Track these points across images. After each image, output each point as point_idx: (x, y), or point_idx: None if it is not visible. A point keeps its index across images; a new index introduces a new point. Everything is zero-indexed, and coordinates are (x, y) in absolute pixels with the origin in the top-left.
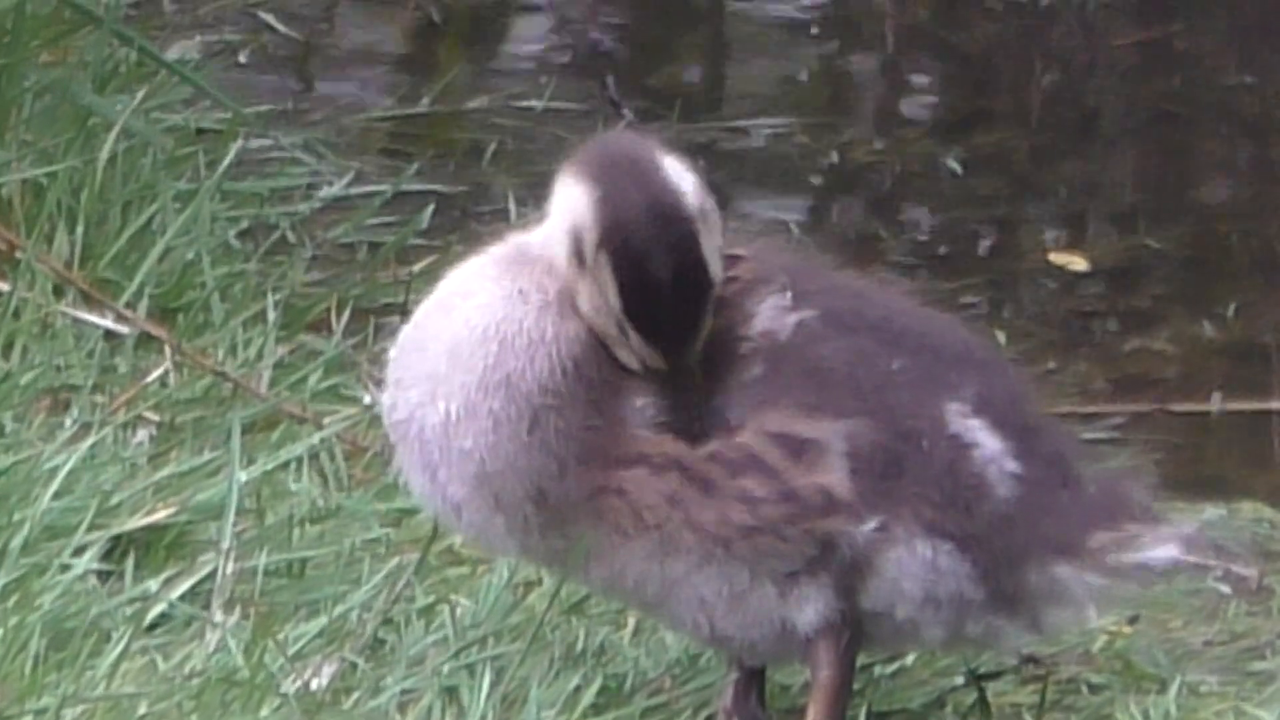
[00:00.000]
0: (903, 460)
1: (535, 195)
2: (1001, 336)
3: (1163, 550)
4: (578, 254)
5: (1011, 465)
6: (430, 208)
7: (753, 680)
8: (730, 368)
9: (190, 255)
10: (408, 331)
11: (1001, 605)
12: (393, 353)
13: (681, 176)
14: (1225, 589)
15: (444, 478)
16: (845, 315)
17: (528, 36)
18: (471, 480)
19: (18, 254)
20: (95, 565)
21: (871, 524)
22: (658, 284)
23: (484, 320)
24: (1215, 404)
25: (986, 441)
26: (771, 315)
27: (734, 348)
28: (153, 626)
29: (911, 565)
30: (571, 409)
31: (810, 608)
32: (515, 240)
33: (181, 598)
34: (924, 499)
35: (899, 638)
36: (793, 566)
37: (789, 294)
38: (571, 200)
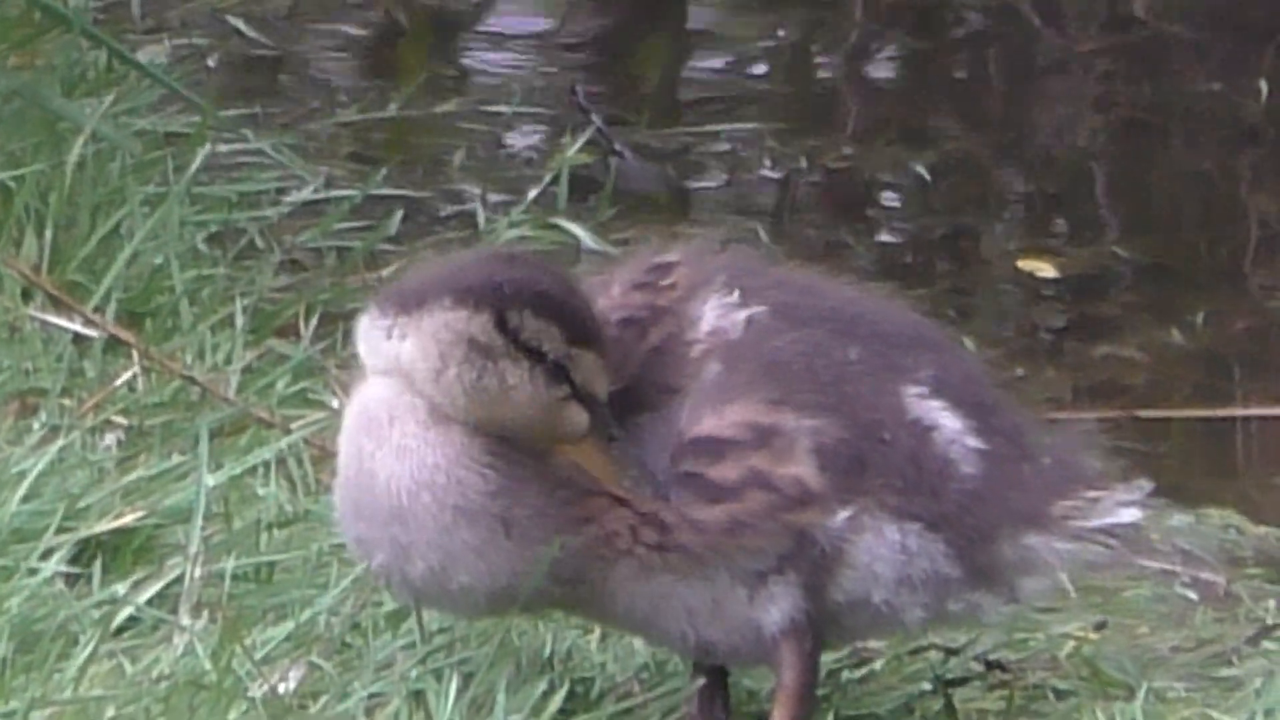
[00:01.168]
0: (866, 451)
1: (503, 200)
2: (970, 343)
3: (1125, 513)
4: (483, 351)
5: (974, 442)
6: (399, 213)
7: (718, 686)
8: (683, 373)
9: (159, 260)
10: (338, 488)
11: (979, 580)
12: (338, 494)
13: None
14: (1192, 595)
15: (452, 597)
16: (795, 309)
17: (496, 42)
18: (484, 598)
19: None
20: (63, 568)
21: (843, 516)
22: (580, 300)
23: (403, 482)
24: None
25: (947, 422)
26: (718, 314)
27: (684, 352)
28: (120, 630)
29: (881, 549)
30: (524, 488)
31: (775, 607)
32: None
33: (149, 601)
34: (889, 486)
35: (879, 624)
36: (765, 565)
37: (735, 291)
38: (441, 323)
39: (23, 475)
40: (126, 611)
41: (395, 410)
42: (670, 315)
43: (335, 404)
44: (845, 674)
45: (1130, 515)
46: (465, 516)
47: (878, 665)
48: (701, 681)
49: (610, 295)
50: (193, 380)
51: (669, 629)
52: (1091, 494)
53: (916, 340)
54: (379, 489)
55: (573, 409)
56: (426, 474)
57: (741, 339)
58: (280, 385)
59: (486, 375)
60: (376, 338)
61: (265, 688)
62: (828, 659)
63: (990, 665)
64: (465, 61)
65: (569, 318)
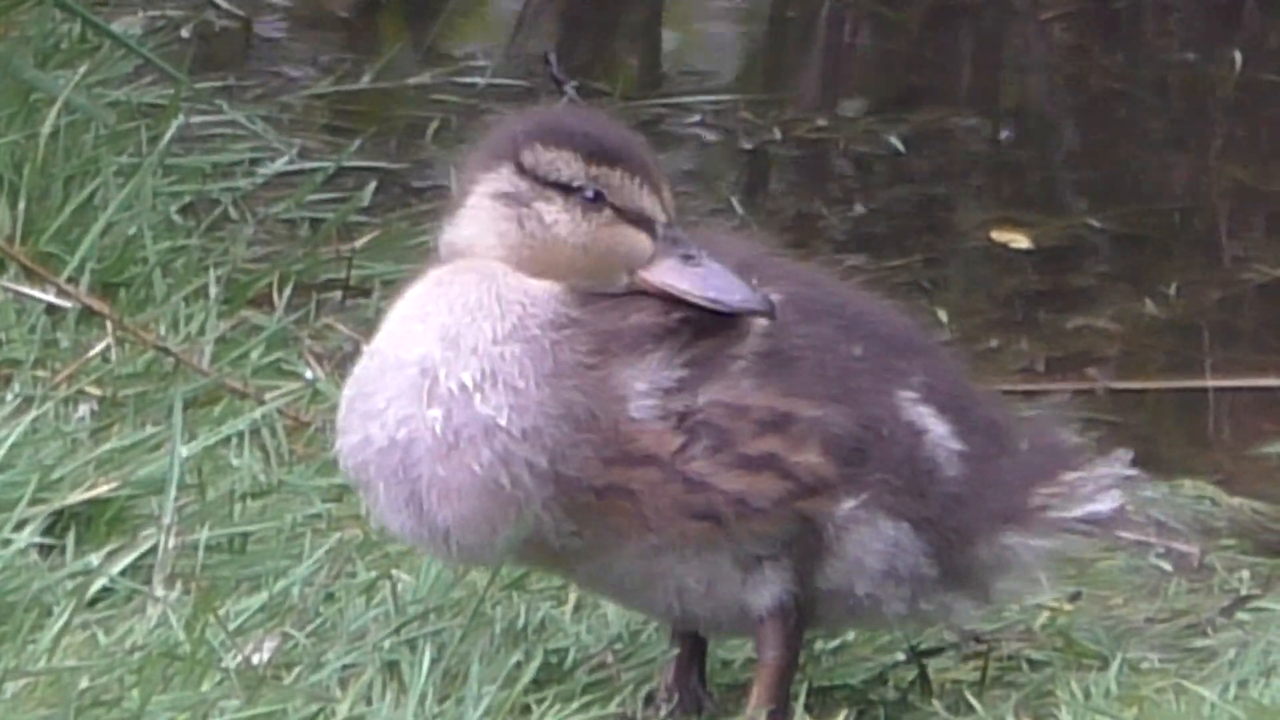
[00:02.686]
0: (869, 445)
1: None
2: (944, 314)
3: (1106, 500)
4: (515, 200)
5: (956, 445)
6: (372, 184)
7: (694, 657)
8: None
9: (132, 230)
10: (361, 367)
11: (954, 581)
12: (346, 394)
13: None
14: (1166, 566)
15: (433, 501)
16: (806, 300)
17: (469, 12)
18: (487, 467)
19: None
20: (36, 540)
21: (848, 505)
22: (599, 125)
23: (469, 297)
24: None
25: (934, 426)
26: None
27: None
28: (94, 601)
29: (875, 543)
30: (577, 341)
31: (767, 590)
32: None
33: (123, 572)
34: (886, 484)
35: (858, 615)
36: (768, 550)
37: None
38: (477, 195)
39: None
40: (100, 582)
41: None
42: (717, 330)
43: (308, 374)
44: (819, 644)
45: (1111, 502)
46: (521, 334)
47: (851, 636)
48: (677, 651)
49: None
50: (166, 351)
51: (656, 601)
52: (1072, 475)
53: (908, 344)
54: (435, 318)
55: (625, 231)
56: (497, 291)
57: (776, 324)
58: (254, 356)
59: (528, 222)
60: (443, 236)
61: (239, 658)
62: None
63: (964, 636)
64: (439, 33)
65: (583, 140)
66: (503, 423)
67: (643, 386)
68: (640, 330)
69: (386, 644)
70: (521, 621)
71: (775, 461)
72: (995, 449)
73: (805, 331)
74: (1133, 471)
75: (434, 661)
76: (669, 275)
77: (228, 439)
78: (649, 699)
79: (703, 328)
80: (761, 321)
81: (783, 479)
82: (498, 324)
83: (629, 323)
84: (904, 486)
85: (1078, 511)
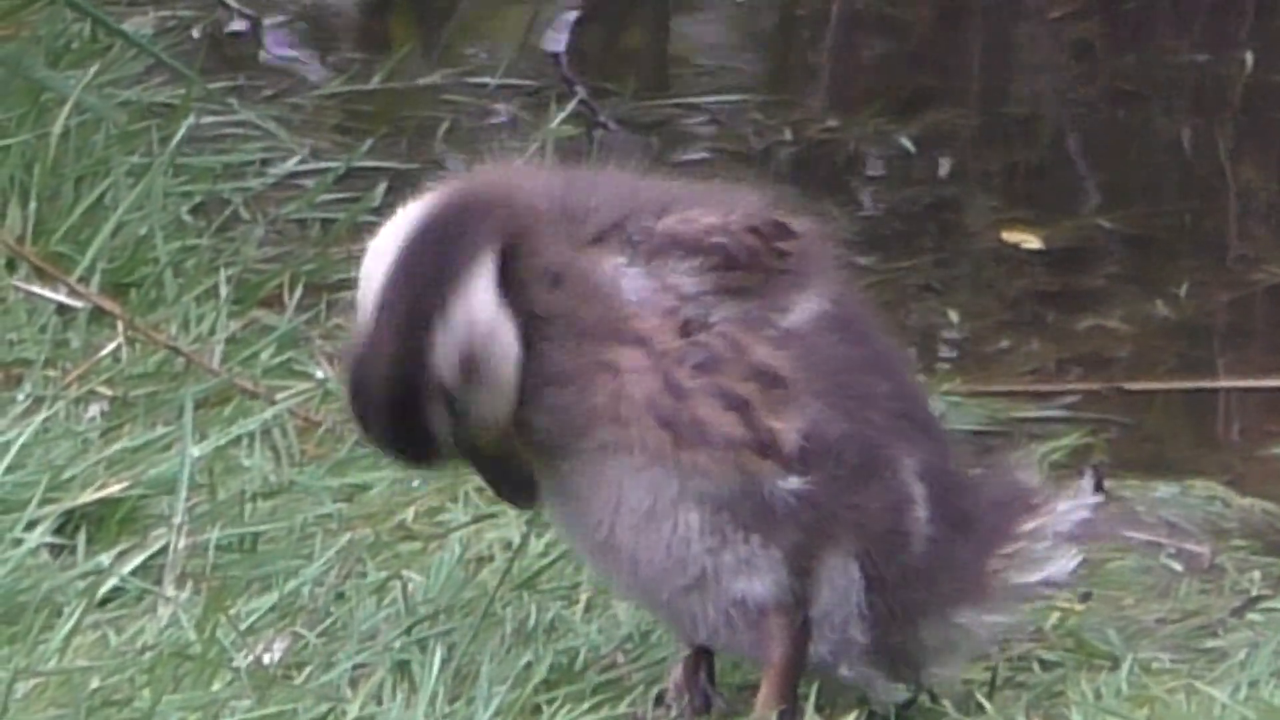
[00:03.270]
0: (868, 472)
1: None
2: (954, 315)
3: (1062, 565)
4: None
5: (928, 530)
6: (383, 184)
7: (702, 657)
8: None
9: (143, 230)
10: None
11: (881, 659)
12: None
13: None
14: (1177, 567)
15: None
16: (848, 319)
17: (480, 13)
18: None
19: None
20: (47, 539)
21: (792, 483)
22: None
23: None
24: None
25: (920, 506)
26: (805, 314)
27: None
28: (105, 601)
29: (839, 579)
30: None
31: (757, 576)
32: None
33: (134, 572)
34: (865, 528)
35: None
36: (716, 499)
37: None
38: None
39: (7, 446)
40: (111, 582)
41: None
42: (764, 291)
43: (320, 375)
44: None
45: (1071, 564)
46: None
47: None
48: (687, 652)
49: (727, 217)
50: (177, 351)
51: (590, 519)
52: (1031, 524)
53: (919, 416)
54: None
55: None
56: None
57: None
58: (265, 356)
59: None
60: None
61: (250, 658)
62: None
63: None
64: (450, 34)
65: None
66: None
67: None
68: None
69: (397, 644)
70: (532, 622)
71: (745, 408)
72: (958, 534)
73: (845, 351)
74: (1099, 497)
75: (445, 661)
76: None
77: (239, 439)
78: (659, 699)
79: (749, 263)
80: (812, 306)
81: (742, 427)
82: None
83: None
84: (876, 534)
85: (1036, 576)
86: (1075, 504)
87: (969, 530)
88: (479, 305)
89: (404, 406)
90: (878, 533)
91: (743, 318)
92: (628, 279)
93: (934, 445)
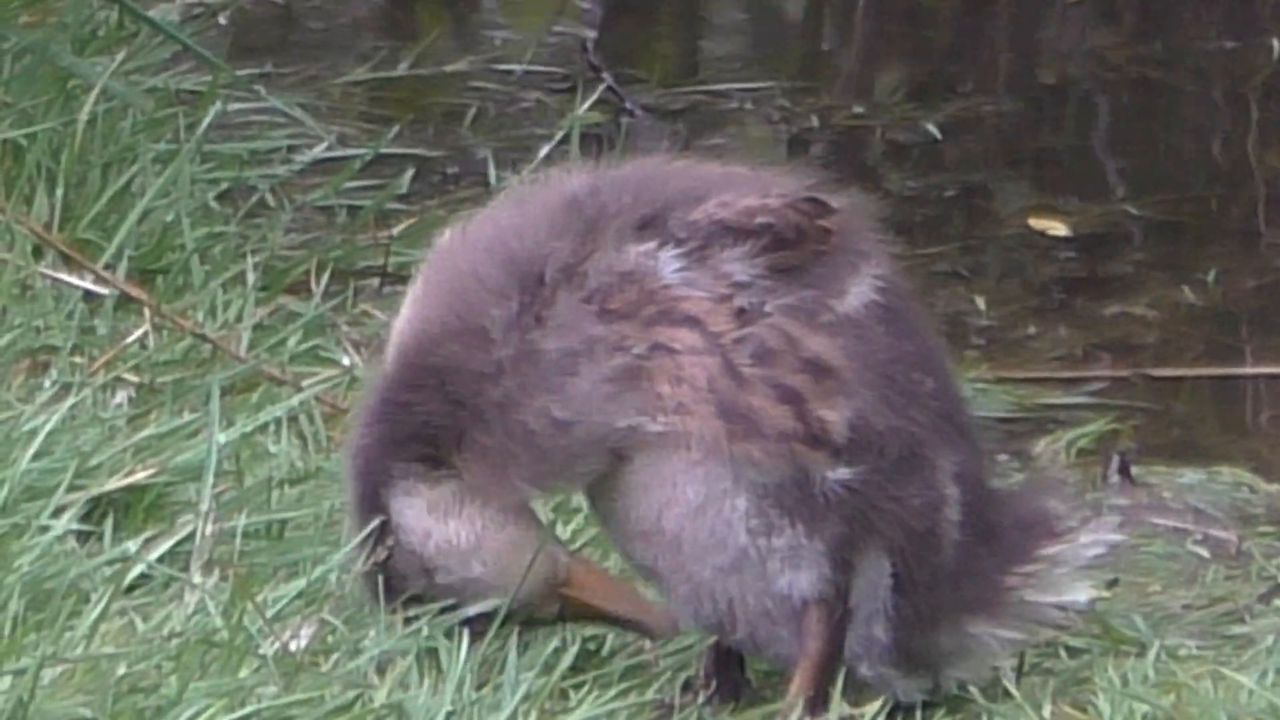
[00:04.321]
0: (908, 468)
1: (514, 159)
2: (981, 302)
3: (1082, 591)
4: None
5: (957, 535)
6: (410, 171)
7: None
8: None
9: (170, 217)
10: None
11: (902, 660)
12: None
13: None
14: (1204, 553)
15: None
16: (897, 310)
17: (508, 2)
18: None
19: None
20: (74, 526)
21: (841, 473)
22: None
23: None
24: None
25: (953, 507)
26: (858, 296)
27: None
28: (132, 588)
29: (871, 575)
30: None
31: (802, 572)
32: None
33: (160, 559)
34: (902, 524)
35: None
36: (765, 489)
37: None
38: None
39: (34, 433)
40: (138, 569)
41: None
42: (816, 275)
43: (346, 361)
44: None
45: (1086, 594)
46: None
47: None
48: (715, 639)
49: (765, 198)
50: (204, 337)
51: (643, 520)
52: (1052, 549)
53: (962, 420)
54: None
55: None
56: None
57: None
58: (291, 342)
59: None
60: None
61: (277, 645)
62: None
63: None
64: (478, 19)
65: None
66: None
67: (689, 267)
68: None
69: (424, 630)
70: None
71: (797, 399)
72: (983, 545)
73: (889, 343)
74: (1119, 538)
75: (471, 648)
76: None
77: (265, 425)
78: (687, 686)
79: (796, 240)
80: (865, 291)
81: (795, 420)
82: None
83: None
84: (911, 532)
85: (1050, 599)
86: (1098, 537)
87: (993, 543)
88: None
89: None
90: (913, 531)
91: (797, 305)
92: (678, 270)
93: (971, 450)
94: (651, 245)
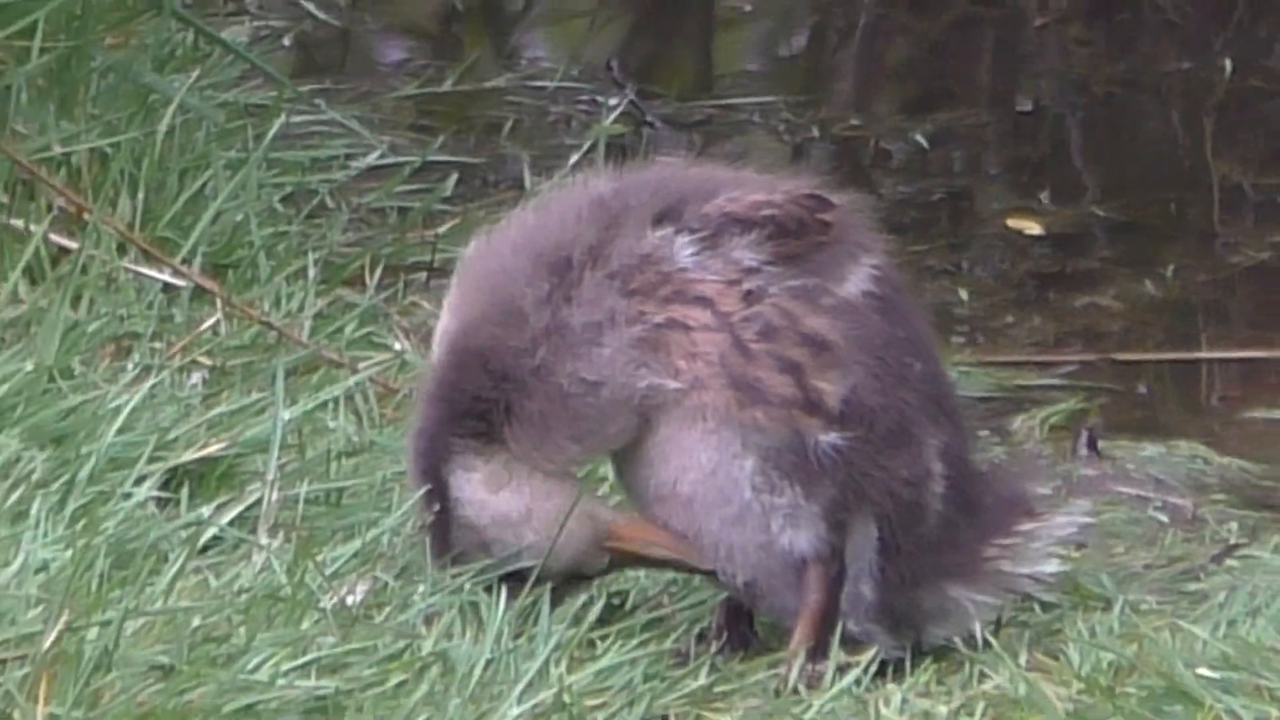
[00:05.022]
0: (897, 442)
1: (547, 166)
2: (964, 293)
3: (1051, 564)
4: None
5: (939, 506)
6: (454, 177)
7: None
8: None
9: (239, 218)
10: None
11: (885, 617)
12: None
13: None
14: (1163, 518)
15: None
16: (891, 299)
17: (541, 23)
18: None
19: (86, 216)
20: (154, 494)
21: (832, 436)
22: None
23: None
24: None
25: (937, 481)
26: (857, 286)
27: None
28: (205, 548)
29: (860, 538)
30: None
31: (801, 530)
32: None
33: (231, 523)
34: (889, 492)
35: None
36: (769, 451)
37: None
38: None
39: (118, 410)
40: (211, 532)
41: None
42: (817, 262)
43: (397, 346)
44: None
45: (1055, 566)
46: None
47: None
48: (726, 595)
49: (771, 194)
50: (270, 325)
51: (663, 483)
52: (1028, 526)
53: (948, 402)
54: None
55: None
56: None
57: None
58: (348, 330)
59: None
60: None
61: (335, 600)
62: None
63: None
64: (515, 41)
65: None
66: None
67: (701, 253)
68: (738, 218)
69: (467, 587)
70: None
71: (797, 370)
72: (964, 517)
73: (879, 326)
74: (1091, 520)
75: (508, 602)
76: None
77: (325, 404)
78: (701, 636)
79: (798, 230)
80: (863, 279)
81: (795, 388)
82: None
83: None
84: (897, 500)
85: (1024, 570)
86: (1070, 518)
87: (974, 516)
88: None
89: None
90: (899, 499)
91: (799, 288)
92: (692, 255)
93: (955, 430)
94: (668, 232)
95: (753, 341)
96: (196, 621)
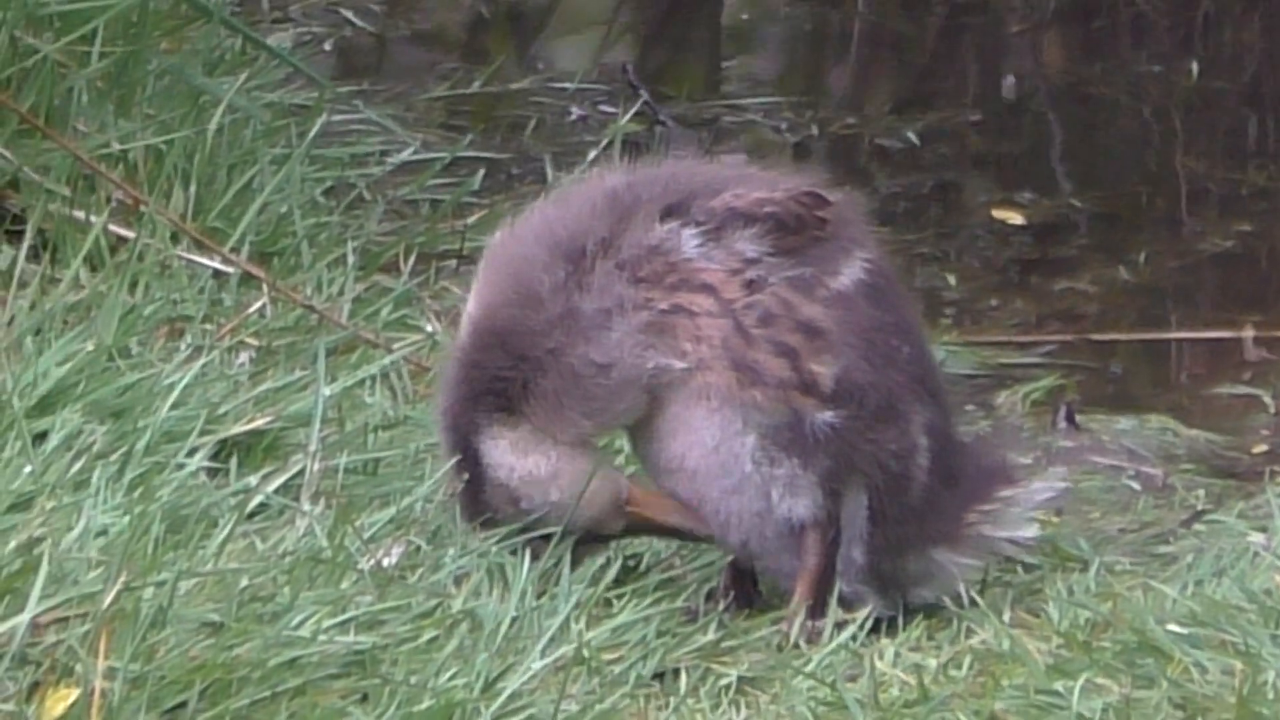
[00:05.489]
0: (885, 418)
1: (568, 162)
2: (952, 279)
3: (1030, 528)
4: None
5: (925, 478)
6: (481, 172)
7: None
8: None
9: (284, 209)
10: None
11: (874, 579)
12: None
13: None
14: (1136, 486)
15: None
16: (882, 288)
17: (562, 30)
18: None
19: (142, 208)
20: (205, 464)
21: (828, 415)
22: None
23: None
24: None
25: (923, 454)
26: (848, 279)
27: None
28: (252, 514)
29: (852, 506)
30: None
31: (799, 499)
32: None
33: (276, 491)
34: (878, 465)
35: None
36: (768, 429)
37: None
38: None
39: (172, 387)
40: (257, 499)
41: None
42: (814, 255)
43: (429, 328)
44: None
45: (1033, 531)
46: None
47: None
48: (732, 557)
49: (772, 192)
50: (312, 308)
51: (673, 457)
52: (1007, 492)
53: (931, 379)
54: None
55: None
56: None
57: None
58: (384, 313)
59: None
60: None
61: (372, 562)
62: None
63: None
64: (538, 46)
65: None
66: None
67: (707, 245)
68: (739, 213)
69: (493, 550)
70: None
71: (793, 355)
72: (947, 487)
73: (870, 314)
74: (1067, 485)
75: (532, 564)
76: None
77: (362, 381)
78: (709, 595)
79: (797, 227)
80: (856, 271)
81: (790, 370)
82: None
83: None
84: (886, 471)
85: (1004, 534)
86: (1048, 484)
87: (956, 485)
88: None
89: None
90: (888, 470)
91: (796, 279)
92: (697, 246)
93: (940, 408)
94: (675, 225)
95: (753, 327)
96: (244, 582)
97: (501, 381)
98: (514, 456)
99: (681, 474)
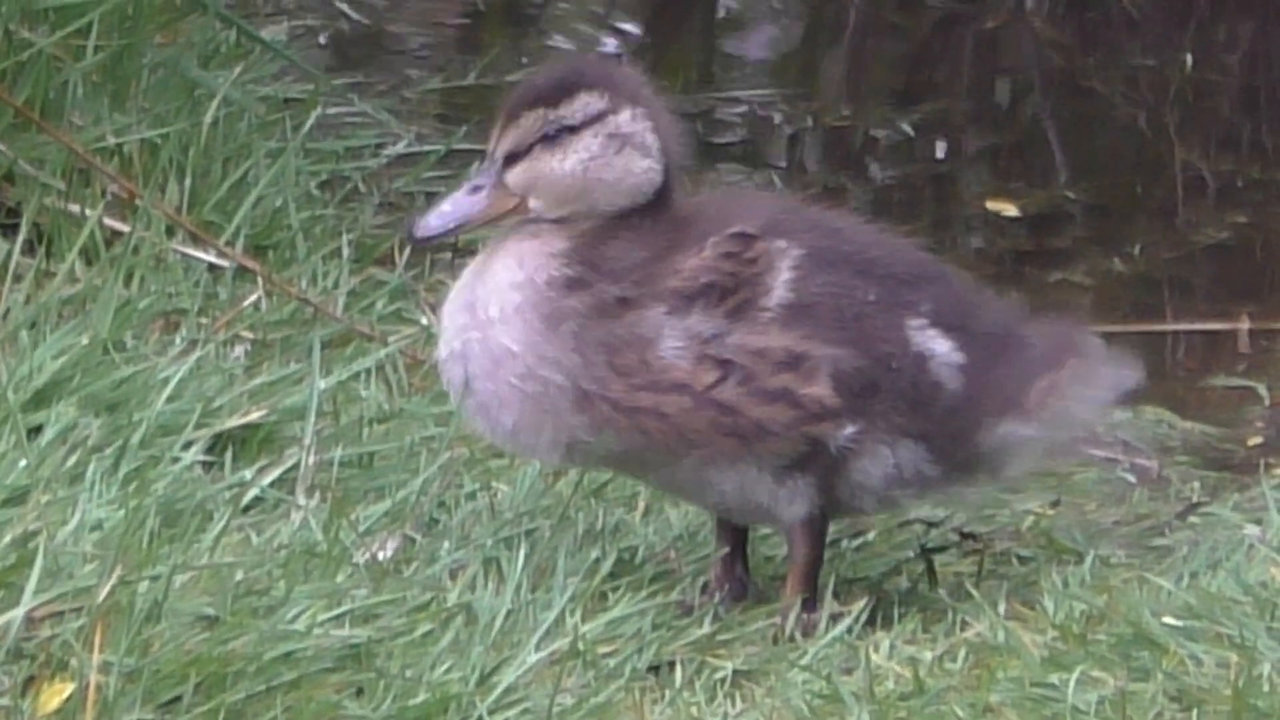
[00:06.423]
0: (878, 378)
1: None
2: None
3: (1094, 398)
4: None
5: (958, 359)
6: (476, 164)
7: (738, 553)
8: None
9: (279, 202)
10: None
11: (958, 476)
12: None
13: None
14: (1131, 478)
15: (495, 409)
16: (827, 251)
17: (556, 21)
18: (519, 384)
19: (137, 201)
20: (200, 457)
21: (849, 430)
22: None
23: (505, 258)
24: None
25: (939, 348)
26: (786, 288)
27: (755, 316)
28: (248, 508)
29: (878, 460)
30: (592, 314)
31: (797, 505)
32: None
33: (271, 484)
34: (893, 408)
35: (877, 511)
36: (787, 462)
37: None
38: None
39: (167, 381)
40: (253, 493)
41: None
42: (748, 285)
43: (424, 321)
44: (844, 543)
45: (1100, 402)
46: (530, 288)
47: (871, 536)
48: (725, 550)
49: (702, 256)
50: (307, 301)
51: (707, 500)
52: (1076, 361)
53: (920, 276)
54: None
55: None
56: (518, 252)
57: (787, 282)
58: (379, 305)
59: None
60: None
61: (367, 555)
62: (830, 531)
63: (964, 536)
64: (533, 38)
65: None
66: (517, 350)
67: (676, 334)
68: (677, 291)
69: (488, 543)
70: (600, 524)
71: (788, 395)
72: (996, 352)
73: (823, 280)
74: (1134, 380)
75: (527, 557)
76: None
77: (357, 374)
78: (704, 588)
79: (735, 284)
80: (786, 276)
81: (793, 408)
82: (514, 274)
83: (668, 285)
84: (908, 408)
85: (1070, 407)
86: (1117, 371)
87: (1005, 345)
88: None
89: None
90: (905, 404)
91: (744, 322)
92: (662, 336)
93: (939, 287)
94: (645, 312)
95: (734, 396)
96: (239, 575)
97: None
98: None
99: (699, 497)
